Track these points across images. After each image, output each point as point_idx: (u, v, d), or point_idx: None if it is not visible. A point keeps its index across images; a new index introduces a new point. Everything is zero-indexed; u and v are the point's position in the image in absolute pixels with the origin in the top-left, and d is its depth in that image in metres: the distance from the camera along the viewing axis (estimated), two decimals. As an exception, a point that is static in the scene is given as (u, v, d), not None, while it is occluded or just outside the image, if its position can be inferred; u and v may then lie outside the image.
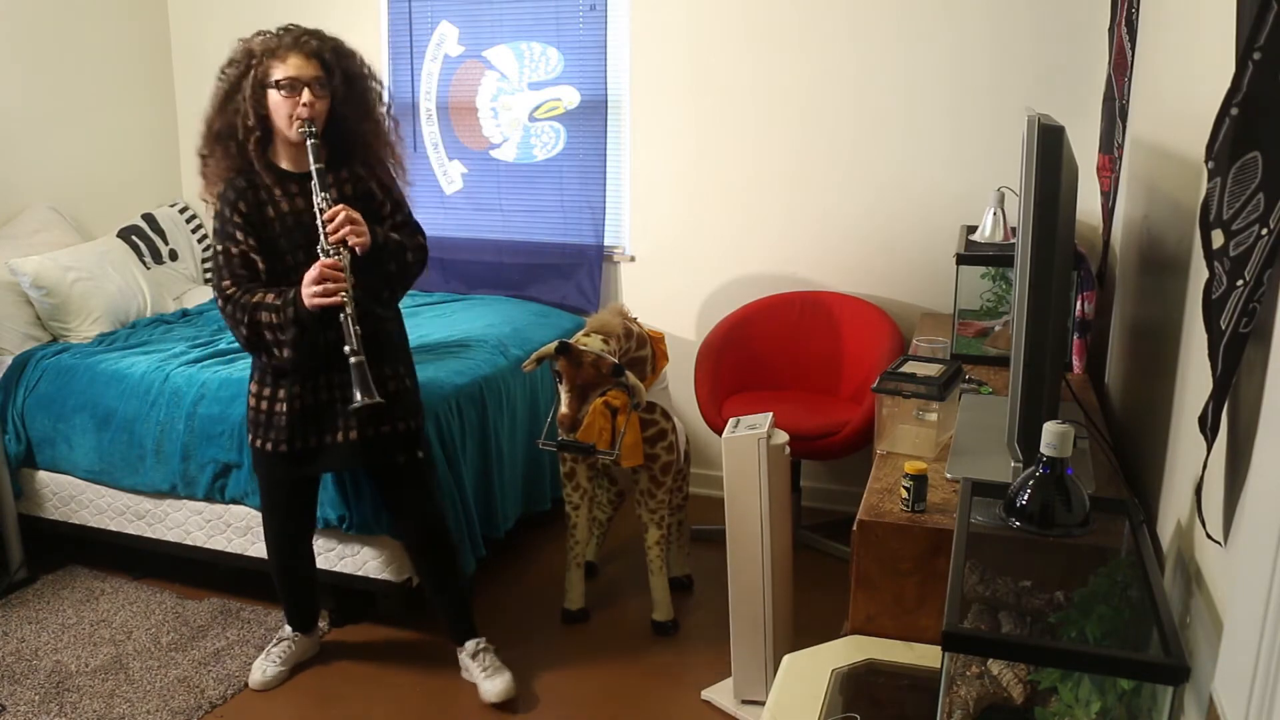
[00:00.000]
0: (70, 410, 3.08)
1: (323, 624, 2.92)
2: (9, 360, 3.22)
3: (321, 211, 2.28)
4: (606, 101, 3.74)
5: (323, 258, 2.26)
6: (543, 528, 3.48)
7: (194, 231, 4.31)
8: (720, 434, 2.49)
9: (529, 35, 3.79)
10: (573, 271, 3.88)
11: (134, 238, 3.95)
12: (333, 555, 2.84)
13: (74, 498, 3.15)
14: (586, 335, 2.69)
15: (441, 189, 4.02)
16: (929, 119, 3.38)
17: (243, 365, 3.08)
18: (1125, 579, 1.38)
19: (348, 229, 2.27)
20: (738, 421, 2.42)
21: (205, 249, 4.34)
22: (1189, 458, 1.41)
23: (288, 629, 2.75)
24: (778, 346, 3.53)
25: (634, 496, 2.91)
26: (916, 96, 3.38)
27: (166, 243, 4.11)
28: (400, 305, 2.59)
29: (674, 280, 3.79)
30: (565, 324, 3.65)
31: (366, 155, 2.45)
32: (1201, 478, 1.20)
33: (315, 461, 2.50)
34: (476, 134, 3.94)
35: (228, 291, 2.34)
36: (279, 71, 2.30)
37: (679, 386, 3.55)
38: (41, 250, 3.50)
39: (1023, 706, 1.32)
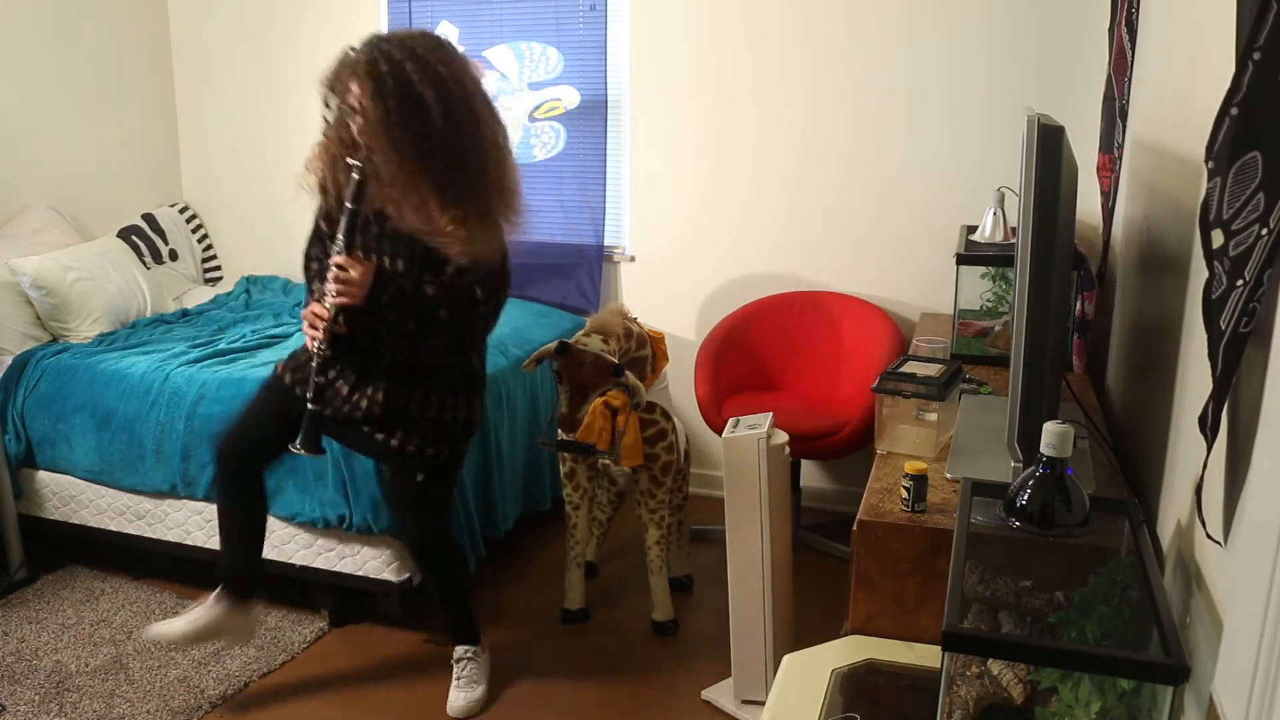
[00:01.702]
0: (70, 410, 3.08)
1: (322, 624, 2.92)
2: (9, 360, 3.22)
3: (333, 254, 2.24)
4: (606, 101, 3.74)
5: (319, 300, 2.29)
6: (543, 528, 3.48)
7: (194, 232, 4.31)
8: (720, 434, 2.49)
9: (529, 35, 3.79)
10: (573, 271, 3.88)
11: (134, 238, 3.95)
12: (333, 555, 2.84)
13: (74, 498, 3.15)
14: (586, 335, 2.69)
15: (441, 189, 4.02)
16: (929, 119, 3.38)
17: (243, 365, 3.08)
18: (1125, 579, 1.38)
19: (338, 285, 2.21)
20: (738, 421, 2.42)
21: (205, 249, 4.35)
22: (1189, 458, 1.41)
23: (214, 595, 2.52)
24: (778, 346, 3.53)
25: (634, 496, 2.91)
26: (916, 96, 3.38)
27: (166, 243, 4.11)
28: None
29: (674, 280, 3.79)
30: (565, 324, 3.65)
31: (444, 192, 2.21)
32: (1201, 478, 1.20)
33: (328, 421, 2.39)
34: (476, 134, 3.94)
35: (308, 260, 2.43)
36: (342, 93, 2.17)
37: (679, 386, 3.56)
38: (41, 250, 3.50)
39: (1023, 706, 1.32)
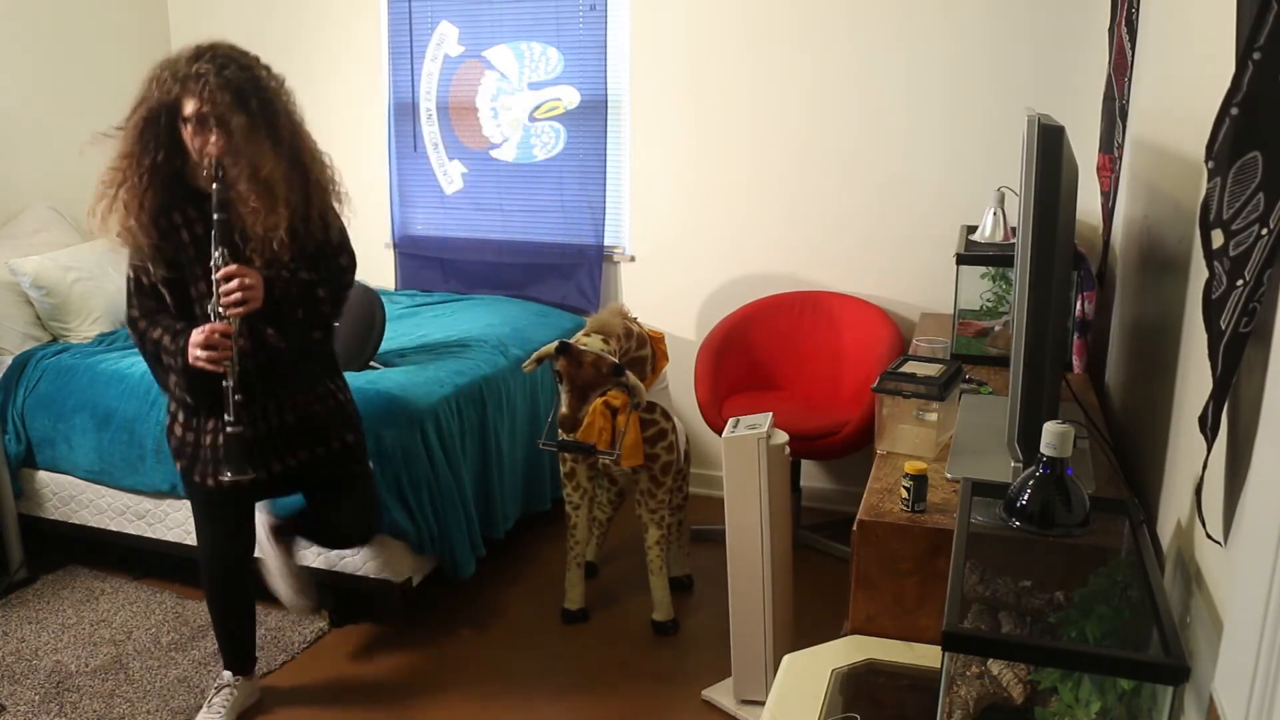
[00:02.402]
0: (70, 410, 3.08)
1: (322, 624, 2.92)
2: (9, 360, 3.22)
3: (216, 268, 2.16)
4: (606, 101, 3.74)
5: (213, 319, 2.18)
6: (543, 528, 3.48)
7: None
8: (720, 434, 2.49)
9: (529, 35, 3.79)
10: (573, 271, 3.88)
11: (134, 238, 3.95)
12: (332, 555, 2.84)
13: (74, 498, 3.15)
14: (586, 335, 2.69)
15: (441, 189, 4.02)
16: (929, 119, 3.38)
17: (243, 365, 3.08)
18: (1125, 579, 1.38)
19: (238, 294, 2.15)
20: (738, 421, 2.42)
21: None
22: (1189, 458, 1.41)
23: (227, 674, 2.54)
24: (778, 346, 3.53)
25: (634, 496, 2.91)
26: (917, 96, 3.38)
27: (166, 243, 4.11)
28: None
29: (674, 280, 3.79)
30: (565, 324, 3.65)
31: (301, 192, 2.26)
32: (1201, 478, 1.20)
33: (255, 491, 2.39)
34: (476, 134, 3.94)
35: (134, 319, 2.30)
36: (188, 106, 2.13)
37: (679, 386, 3.56)
38: (41, 250, 3.50)
39: (1023, 706, 1.32)
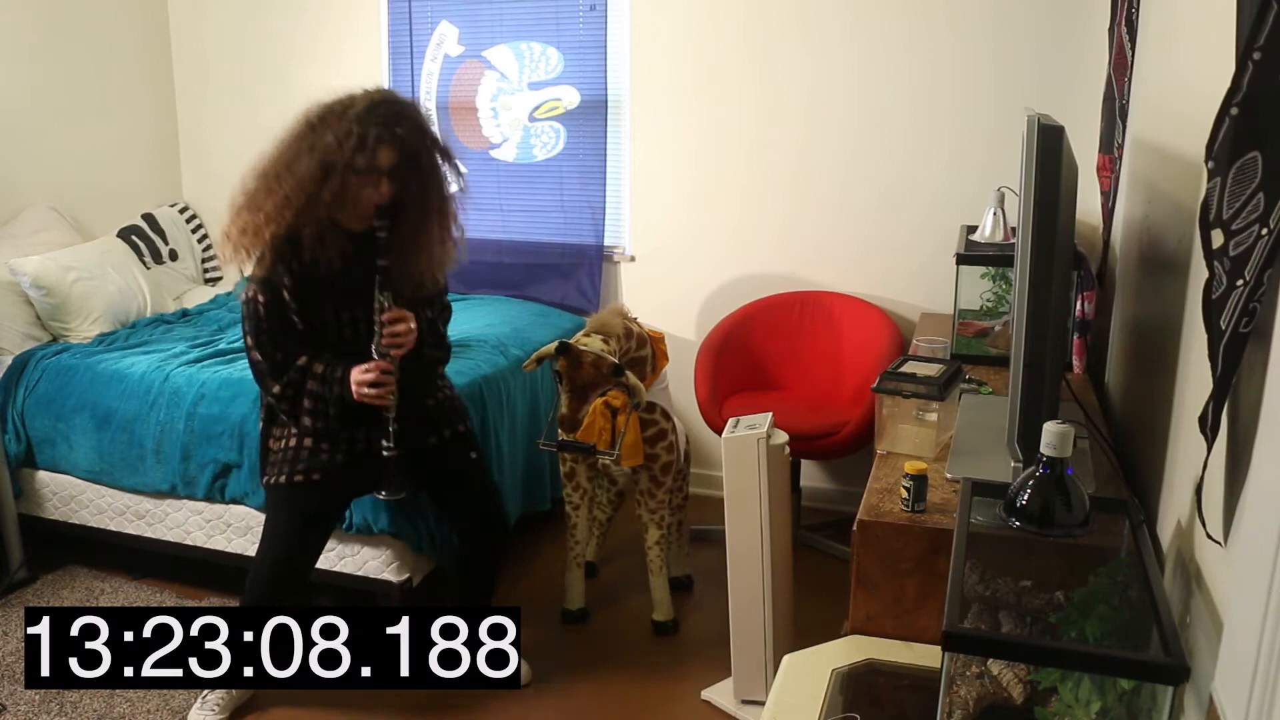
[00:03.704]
0: (70, 410, 3.08)
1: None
2: (9, 360, 3.22)
3: (380, 310, 2.31)
4: (606, 101, 3.74)
5: (375, 357, 2.31)
6: (543, 528, 3.48)
7: (194, 232, 4.31)
8: (720, 434, 2.49)
9: (529, 35, 3.79)
10: (573, 271, 3.88)
11: (134, 238, 3.95)
12: (333, 555, 2.84)
13: (74, 498, 3.15)
14: (586, 335, 2.69)
15: (441, 189, 4.02)
16: (929, 119, 3.38)
17: (243, 365, 3.08)
18: (1125, 579, 1.38)
19: (406, 340, 2.33)
20: (738, 421, 2.42)
21: (205, 249, 4.35)
22: (1189, 458, 1.41)
23: None
24: (778, 346, 3.53)
25: (634, 496, 2.91)
26: (916, 96, 3.38)
27: (166, 243, 4.11)
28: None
29: (674, 280, 3.79)
30: (565, 324, 3.65)
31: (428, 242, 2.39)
32: (1201, 478, 1.20)
33: (339, 498, 2.54)
34: (476, 134, 3.94)
35: (265, 346, 2.31)
36: (364, 157, 2.20)
37: (679, 386, 3.55)
38: (41, 250, 3.50)
39: (1023, 706, 1.32)
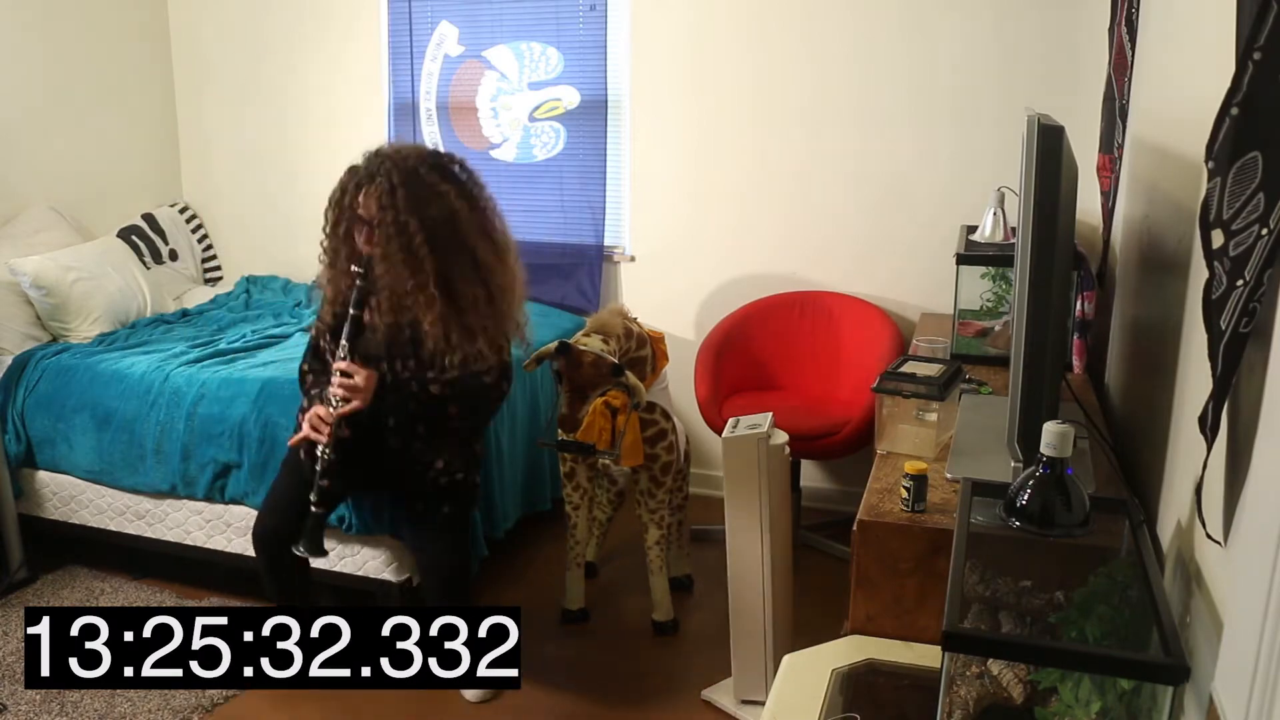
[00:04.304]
0: (70, 410, 3.08)
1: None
2: (9, 360, 3.22)
3: (338, 359, 2.32)
4: (606, 101, 3.74)
5: (322, 404, 2.33)
6: (543, 528, 3.48)
7: (194, 232, 4.31)
8: (720, 434, 2.49)
9: (529, 35, 3.79)
10: (573, 271, 3.88)
11: (134, 238, 3.95)
12: (333, 555, 2.84)
13: (74, 498, 3.15)
14: (586, 335, 2.69)
15: (441, 189, 4.02)
16: (929, 119, 3.38)
17: (243, 365, 3.08)
18: (1125, 579, 1.38)
19: (341, 391, 2.31)
20: (738, 421, 2.42)
21: (205, 249, 4.35)
22: (1189, 458, 1.41)
23: None
24: (778, 346, 3.53)
25: (634, 496, 2.91)
26: (916, 96, 3.38)
27: (166, 243, 4.11)
28: None
29: (674, 280, 3.79)
30: (565, 324, 3.65)
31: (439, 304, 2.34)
32: (1201, 478, 1.20)
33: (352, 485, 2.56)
34: (476, 134, 3.94)
35: (303, 374, 2.52)
36: (359, 206, 2.29)
37: (679, 386, 3.55)
38: (41, 250, 3.50)
39: (1023, 706, 1.32)
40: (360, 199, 2.26)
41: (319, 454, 2.32)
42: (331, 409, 2.30)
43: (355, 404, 2.31)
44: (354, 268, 2.28)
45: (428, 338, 2.32)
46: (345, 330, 2.29)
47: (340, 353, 2.29)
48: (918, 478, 1.69)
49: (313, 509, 2.34)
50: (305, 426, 2.34)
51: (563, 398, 2.60)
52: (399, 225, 2.23)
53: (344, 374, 2.30)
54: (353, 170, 2.32)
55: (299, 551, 2.37)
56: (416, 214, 2.24)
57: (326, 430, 2.30)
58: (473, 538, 2.94)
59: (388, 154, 2.29)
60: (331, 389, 2.30)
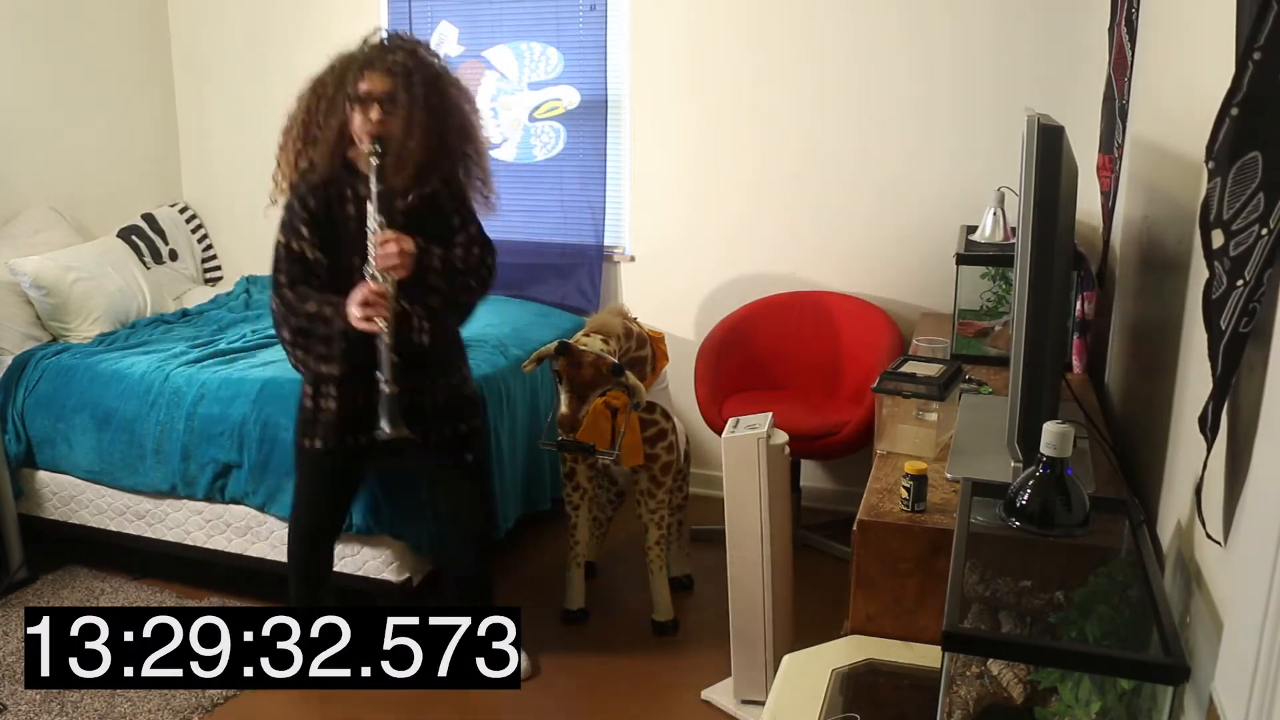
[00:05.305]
0: (70, 410, 3.07)
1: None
2: (9, 360, 3.22)
3: (374, 234, 2.30)
4: (606, 101, 3.74)
5: (369, 281, 2.29)
6: (543, 528, 3.48)
7: (194, 232, 4.31)
8: (720, 434, 2.49)
9: (529, 35, 3.79)
10: (573, 271, 3.88)
11: (134, 238, 3.95)
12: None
13: (74, 498, 3.15)
14: (586, 335, 2.69)
15: (441, 189, 4.02)
16: (929, 119, 3.38)
17: (243, 365, 3.08)
18: (1125, 579, 1.38)
19: (395, 260, 2.28)
20: (737, 421, 2.42)
21: (205, 249, 4.35)
22: (1189, 458, 1.41)
23: None
24: (778, 346, 3.53)
25: (634, 496, 2.91)
26: (917, 96, 3.38)
27: (166, 243, 4.11)
28: None
29: (674, 280, 3.79)
30: (565, 324, 3.65)
31: (445, 169, 2.43)
32: (1201, 478, 1.20)
33: (361, 459, 2.54)
34: (476, 134, 3.94)
35: (280, 287, 2.39)
36: (358, 85, 2.30)
37: (679, 386, 3.55)
38: (41, 250, 3.50)
39: (1023, 706, 1.32)
40: (365, 77, 2.29)
41: (383, 329, 2.29)
42: (381, 283, 2.29)
43: (404, 268, 2.30)
44: (368, 146, 2.29)
45: (454, 199, 2.42)
46: (374, 206, 2.29)
47: (376, 225, 2.29)
48: (918, 478, 1.69)
49: (385, 389, 2.30)
50: (355, 310, 2.28)
51: (563, 398, 2.60)
52: (420, 99, 2.29)
53: (386, 243, 2.28)
54: (345, 57, 2.36)
55: (385, 435, 2.32)
56: (434, 94, 2.33)
57: (383, 304, 2.28)
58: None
59: (393, 38, 2.38)
60: (372, 266, 2.29)
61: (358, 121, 2.31)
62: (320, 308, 2.35)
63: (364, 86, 2.29)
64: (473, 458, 2.60)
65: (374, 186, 2.29)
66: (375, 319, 2.27)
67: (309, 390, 2.48)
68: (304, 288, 2.38)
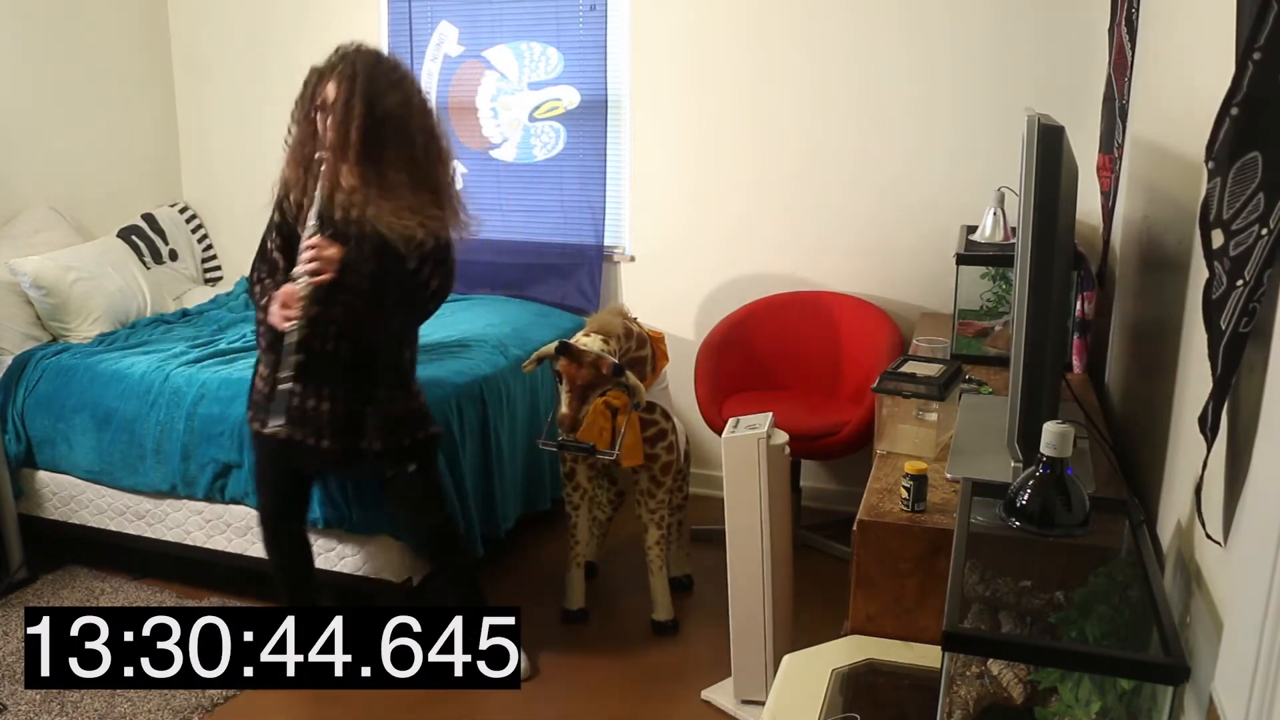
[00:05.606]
0: (70, 410, 3.08)
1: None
2: (9, 360, 3.22)
3: (305, 238, 2.35)
4: (606, 101, 3.74)
5: (292, 283, 2.34)
6: (543, 528, 3.48)
7: (194, 232, 4.31)
8: (720, 434, 2.49)
9: (529, 35, 3.79)
10: (573, 271, 3.88)
11: (134, 238, 3.95)
12: (333, 555, 2.84)
13: (74, 498, 3.15)
14: (586, 335, 2.69)
15: (441, 189, 4.02)
16: (929, 119, 3.38)
17: (243, 365, 3.08)
18: (1125, 579, 1.38)
19: (313, 264, 2.32)
20: (738, 421, 2.42)
21: (205, 249, 4.35)
22: (1189, 458, 1.41)
23: None
24: (778, 346, 3.53)
25: (634, 496, 2.91)
26: (917, 96, 3.38)
27: (166, 243, 4.11)
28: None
29: (674, 280, 3.79)
30: (565, 324, 3.65)
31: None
32: (1201, 478, 1.20)
33: (303, 458, 2.54)
34: (476, 134, 3.94)
35: (251, 283, 2.54)
36: (316, 96, 2.36)
37: (679, 386, 3.55)
38: (41, 250, 3.50)
39: (1023, 706, 1.32)
40: (321, 87, 2.34)
41: (291, 329, 2.34)
42: (296, 285, 2.33)
43: (325, 275, 2.33)
44: (319, 154, 2.34)
45: (339, 194, 2.36)
46: (314, 209, 2.34)
47: (309, 230, 2.33)
48: (918, 478, 1.69)
49: (281, 386, 2.35)
50: (274, 308, 2.35)
51: (563, 398, 2.60)
52: (347, 107, 2.30)
53: (315, 247, 2.32)
54: (313, 69, 2.40)
55: (271, 428, 2.38)
56: (369, 99, 2.31)
57: (298, 305, 2.33)
58: (470, 536, 2.95)
59: (352, 48, 2.39)
60: (300, 266, 2.33)
61: (320, 131, 2.36)
62: (261, 302, 2.46)
63: (320, 97, 2.35)
64: (416, 467, 2.59)
65: (319, 192, 2.35)
66: (288, 320, 2.34)
67: (259, 370, 2.54)
68: (269, 283, 2.46)
